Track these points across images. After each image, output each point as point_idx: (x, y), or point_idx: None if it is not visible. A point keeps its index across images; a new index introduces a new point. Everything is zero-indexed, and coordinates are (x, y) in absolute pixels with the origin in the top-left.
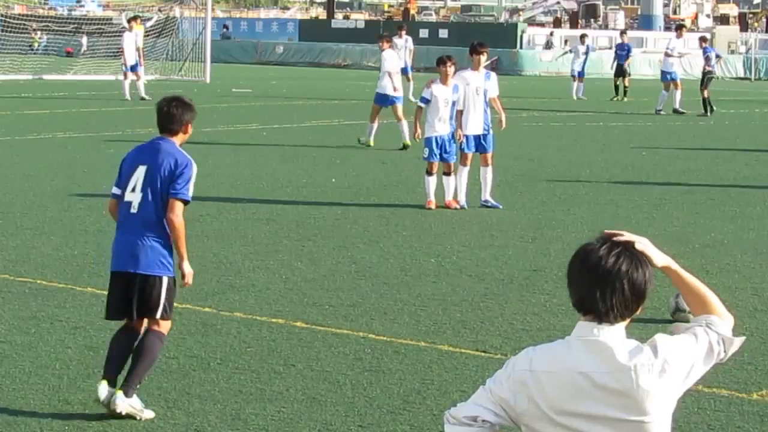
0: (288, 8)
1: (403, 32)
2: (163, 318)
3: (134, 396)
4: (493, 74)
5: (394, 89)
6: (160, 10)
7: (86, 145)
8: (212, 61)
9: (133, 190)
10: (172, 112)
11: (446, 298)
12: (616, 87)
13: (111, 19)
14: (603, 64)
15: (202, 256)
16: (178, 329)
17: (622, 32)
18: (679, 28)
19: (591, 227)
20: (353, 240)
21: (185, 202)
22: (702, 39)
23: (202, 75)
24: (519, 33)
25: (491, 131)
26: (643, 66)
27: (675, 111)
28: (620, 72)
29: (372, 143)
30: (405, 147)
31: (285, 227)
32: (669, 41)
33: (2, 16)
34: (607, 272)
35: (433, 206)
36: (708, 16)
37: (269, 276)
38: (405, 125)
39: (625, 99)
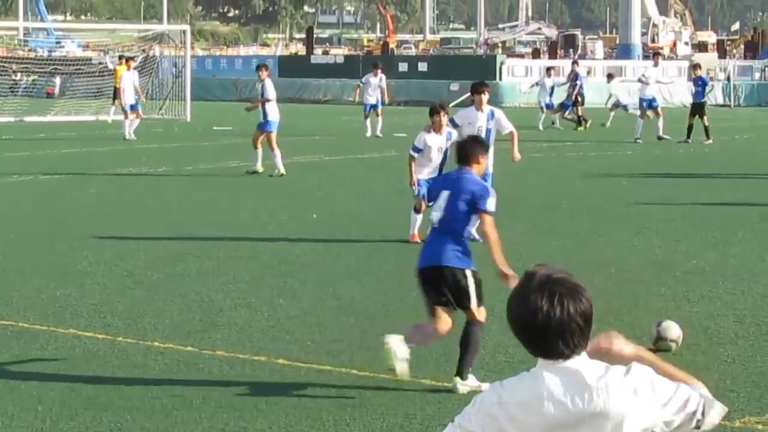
0: (268, 45)
1: (378, 71)
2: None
3: (469, 377)
4: (498, 111)
5: (269, 116)
6: (142, 50)
7: (68, 186)
8: (192, 99)
9: (437, 209)
10: (467, 148)
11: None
12: (577, 117)
13: (91, 59)
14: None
15: (184, 294)
16: (160, 368)
17: (574, 62)
18: (656, 55)
19: (573, 257)
20: (335, 275)
21: (490, 214)
22: (695, 66)
23: (182, 113)
24: (498, 65)
25: (491, 172)
26: (622, 95)
27: (659, 138)
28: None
29: (261, 170)
30: (278, 175)
31: (267, 264)
32: (645, 69)
33: None
34: (560, 321)
35: (418, 240)
36: (686, 43)
37: (251, 313)
38: (279, 154)
39: (582, 128)
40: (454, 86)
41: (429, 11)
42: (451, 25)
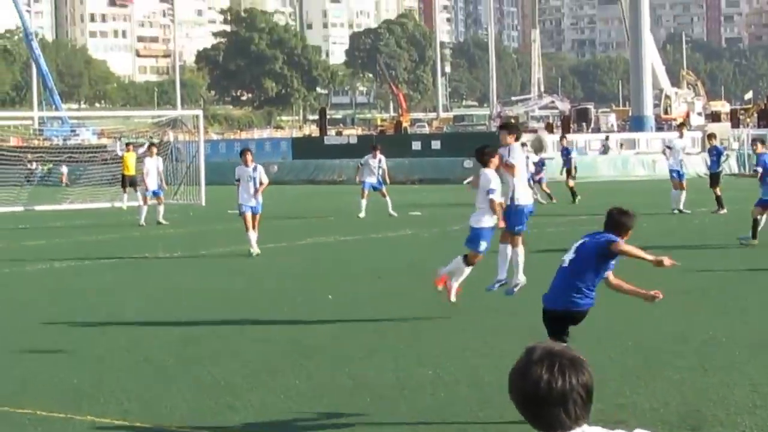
0: (282, 127)
1: (377, 152)
2: None
3: None
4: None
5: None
6: (149, 136)
7: (84, 273)
8: (207, 183)
9: (567, 254)
10: (615, 217)
11: (444, 409)
12: (570, 190)
13: (105, 146)
14: (597, 167)
15: (200, 377)
16: None
17: (562, 137)
18: (680, 126)
19: (589, 330)
20: (350, 355)
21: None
22: (710, 136)
23: (197, 198)
24: None
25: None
26: (636, 167)
27: (679, 211)
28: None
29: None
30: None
31: (282, 346)
32: (670, 141)
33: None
34: (561, 392)
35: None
36: (699, 114)
37: (267, 395)
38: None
39: (576, 200)
40: (468, 163)
41: (441, 89)
42: (463, 103)
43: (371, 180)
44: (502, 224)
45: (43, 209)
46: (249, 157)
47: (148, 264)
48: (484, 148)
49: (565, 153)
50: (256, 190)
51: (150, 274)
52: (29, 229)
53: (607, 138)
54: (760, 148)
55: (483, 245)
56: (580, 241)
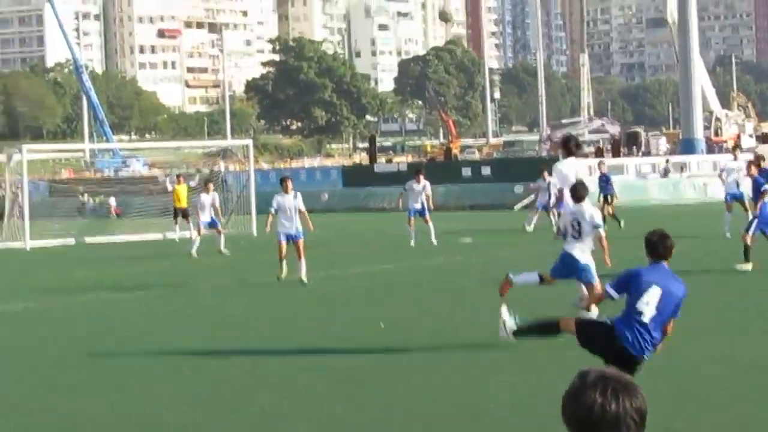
0: (331, 155)
1: (421, 176)
2: None
3: None
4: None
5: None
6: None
7: (134, 303)
8: (258, 213)
9: (647, 304)
10: (666, 243)
11: None
12: (604, 216)
13: (156, 177)
14: (648, 191)
15: (247, 406)
16: None
17: (600, 162)
18: (734, 149)
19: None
20: (402, 383)
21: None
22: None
23: (248, 227)
24: None
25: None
26: (687, 190)
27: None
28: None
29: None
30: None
31: (333, 374)
32: (725, 164)
33: (50, 181)
34: (615, 415)
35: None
36: (750, 135)
37: (316, 425)
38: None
39: (622, 224)
40: (518, 188)
41: (490, 115)
42: (513, 128)
43: (416, 206)
44: (608, 262)
45: (94, 241)
46: (289, 184)
47: (198, 294)
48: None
49: (604, 180)
50: (297, 217)
51: (200, 303)
52: (81, 260)
53: (667, 161)
54: (753, 170)
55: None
56: (663, 292)
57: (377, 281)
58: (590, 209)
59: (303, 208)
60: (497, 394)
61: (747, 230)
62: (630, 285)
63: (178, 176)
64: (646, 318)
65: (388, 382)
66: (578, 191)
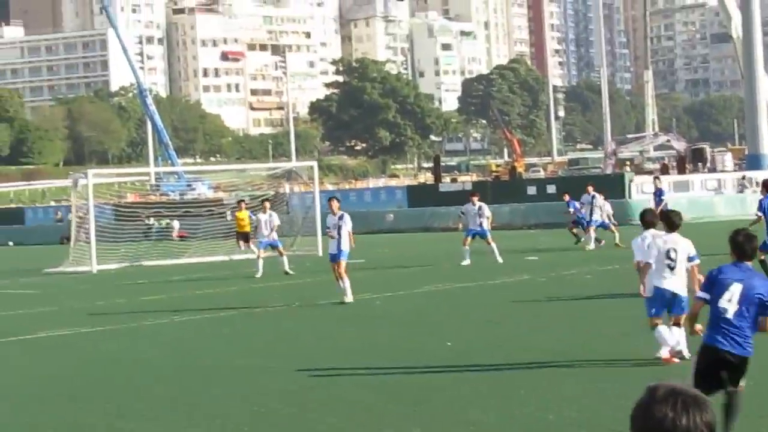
0: (396, 176)
1: (475, 198)
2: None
3: None
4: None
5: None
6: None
7: (202, 326)
8: (323, 234)
9: (729, 300)
10: (753, 243)
11: None
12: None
13: (222, 200)
14: (714, 207)
15: (314, 426)
16: None
17: (656, 178)
18: None
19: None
20: (469, 401)
21: None
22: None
23: (314, 248)
24: (627, 182)
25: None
26: (753, 206)
27: None
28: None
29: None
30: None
31: (400, 392)
32: None
33: (116, 205)
34: (686, 429)
35: (676, 361)
36: None
37: None
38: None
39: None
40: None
41: (555, 133)
42: (578, 146)
43: (474, 227)
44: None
45: (160, 263)
46: (335, 204)
47: (265, 315)
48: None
49: (658, 194)
50: (341, 237)
51: (267, 325)
52: (148, 284)
53: (743, 177)
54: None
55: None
56: (744, 287)
57: (444, 300)
58: (684, 240)
59: (349, 228)
60: (563, 408)
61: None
62: (714, 284)
63: (238, 202)
64: (730, 314)
65: (455, 399)
66: (672, 219)
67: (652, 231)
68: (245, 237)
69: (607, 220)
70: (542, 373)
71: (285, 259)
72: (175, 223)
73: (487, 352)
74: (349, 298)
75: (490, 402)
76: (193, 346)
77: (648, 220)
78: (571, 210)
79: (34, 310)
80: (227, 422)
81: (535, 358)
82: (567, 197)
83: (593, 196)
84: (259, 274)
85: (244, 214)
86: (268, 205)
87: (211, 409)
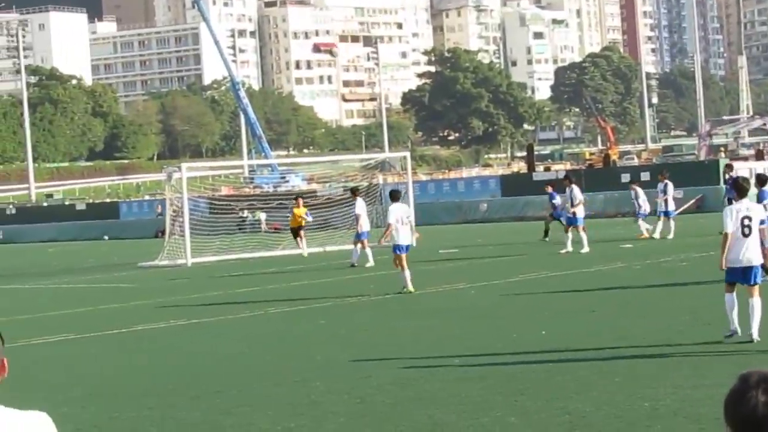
0: (489, 165)
1: (572, 183)
2: None
3: None
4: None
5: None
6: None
7: (298, 318)
8: (417, 224)
9: None
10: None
11: None
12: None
13: (315, 191)
14: None
15: (415, 417)
16: None
17: (728, 166)
18: None
19: None
20: (565, 390)
21: None
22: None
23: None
24: (721, 169)
25: None
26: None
27: None
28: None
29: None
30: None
31: (497, 383)
32: None
33: (210, 198)
34: None
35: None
36: None
37: None
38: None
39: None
40: (678, 193)
41: (648, 120)
42: (672, 133)
43: (567, 214)
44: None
45: (254, 256)
46: (399, 197)
47: (359, 306)
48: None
49: (730, 182)
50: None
51: (362, 316)
52: (243, 276)
53: None
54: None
55: None
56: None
57: (539, 289)
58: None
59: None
60: (659, 397)
61: None
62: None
63: (296, 198)
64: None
65: (552, 388)
66: (742, 186)
67: None
68: (296, 232)
69: (672, 209)
70: (638, 361)
71: (370, 252)
72: (262, 215)
73: (582, 341)
74: (410, 287)
75: (586, 390)
76: (290, 339)
77: (744, 189)
78: (554, 202)
79: (129, 304)
80: (327, 414)
81: (631, 345)
82: (550, 188)
83: (665, 185)
84: (356, 263)
85: (300, 210)
86: (359, 194)
87: (311, 404)
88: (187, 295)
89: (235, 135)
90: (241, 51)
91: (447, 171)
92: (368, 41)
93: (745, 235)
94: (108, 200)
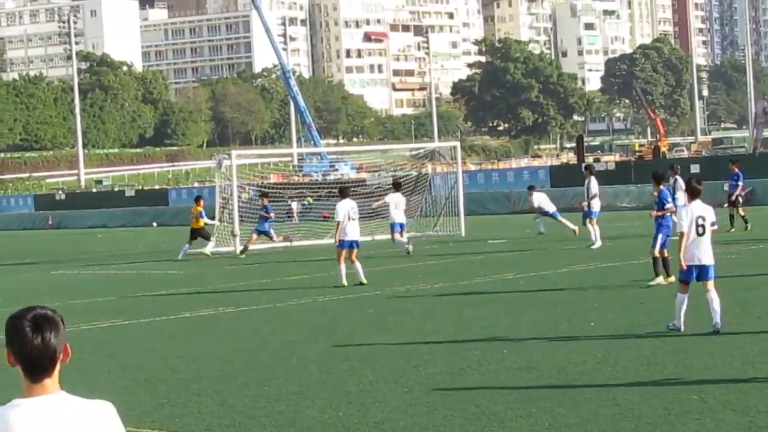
0: (539, 156)
1: (675, 174)
2: None
3: None
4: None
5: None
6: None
7: (347, 307)
8: (466, 214)
9: None
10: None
11: None
12: (730, 217)
13: (365, 180)
14: None
15: (464, 408)
16: None
17: (733, 161)
18: None
19: None
20: (614, 382)
21: None
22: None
23: (456, 229)
24: None
25: None
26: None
27: None
28: (732, 202)
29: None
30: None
31: (546, 374)
32: None
33: (259, 186)
34: None
35: None
36: None
37: (532, 424)
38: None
39: (745, 228)
40: (727, 186)
41: (699, 113)
42: (722, 125)
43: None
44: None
45: (302, 244)
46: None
47: (409, 297)
48: None
49: (734, 178)
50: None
51: (410, 306)
52: (291, 263)
53: None
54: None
55: None
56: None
57: (588, 280)
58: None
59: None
60: (710, 389)
61: None
62: None
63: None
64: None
65: (601, 380)
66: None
67: None
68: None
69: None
70: (687, 353)
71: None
72: (294, 205)
73: (630, 332)
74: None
75: (635, 382)
76: (338, 328)
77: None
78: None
79: (177, 291)
80: (376, 403)
81: (680, 336)
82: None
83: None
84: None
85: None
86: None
87: (356, 392)
88: (235, 283)
89: (285, 123)
90: (292, 39)
91: (496, 161)
92: (419, 30)
93: (700, 235)
94: (157, 187)
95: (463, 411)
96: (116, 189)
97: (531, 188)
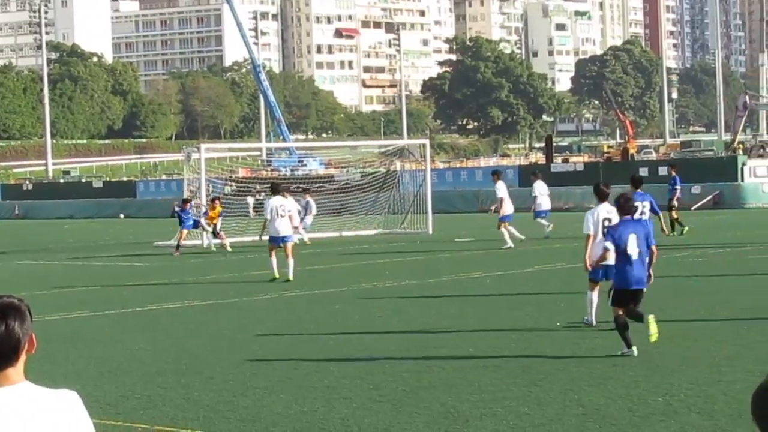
0: (508, 155)
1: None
2: None
3: None
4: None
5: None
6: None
7: (313, 303)
8: (434, 212)
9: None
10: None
11: None
12: (671, 222)
13: (333, 176)
14: None
15: (429, 406)
16: None
17: (671, 165)
18: None
19: None
20: (580, 382)
21: None
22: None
23: (424, 227)
24: (740, 166)
25: None
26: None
27: None
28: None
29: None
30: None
31: (511, 373)
32: None
33: (227, 180)
34: None
35: None
36: None
37: (496, 423)
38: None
39: (681, 233)
40: (696, 189)
41: (668, 115)
42: (691, 129)
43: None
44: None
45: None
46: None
47: (376, 294)
48: None
49: (672, 182)
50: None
51: (378, 303)
52: (257, 258)
53: None
54: None
55: None
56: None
57: (553, 280)
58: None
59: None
60: (675, 392)
61: None
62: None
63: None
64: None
65: (567, 380)
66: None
67: None
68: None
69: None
70: (654, 355)
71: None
72: (249, 200)
73: (597, 333)
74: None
75: (601, 383)
76: (305, 324)
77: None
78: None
79: (144, 283)
80: (341, 399)
81: (647, 341)
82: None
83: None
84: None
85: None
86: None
87: (325, 389)
88: (202, 276)
89: (255, 117)
90: (263, 33)
91: (465, 160)
92: (390, 28)
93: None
94: (125, 179)
95: (428, 409)
96: (84, 180)
97: (495, 174)
